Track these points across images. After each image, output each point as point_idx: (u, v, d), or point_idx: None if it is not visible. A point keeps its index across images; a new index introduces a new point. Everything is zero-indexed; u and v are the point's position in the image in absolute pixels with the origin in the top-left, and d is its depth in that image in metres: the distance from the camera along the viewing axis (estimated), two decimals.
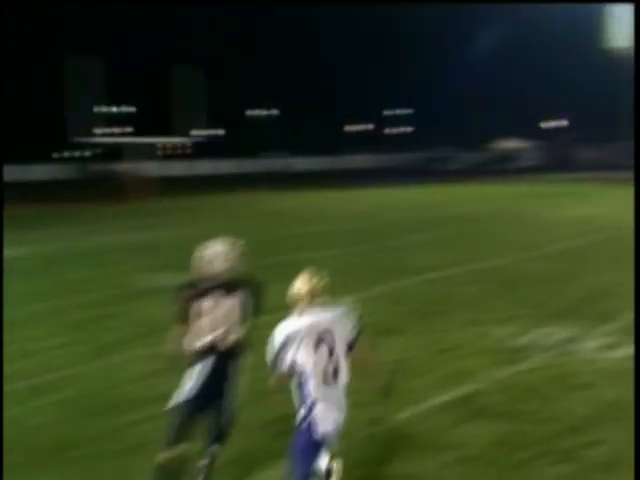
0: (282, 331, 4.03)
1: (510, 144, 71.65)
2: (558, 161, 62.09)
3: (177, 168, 75.31)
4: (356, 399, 6.08)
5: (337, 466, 4.19)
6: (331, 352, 3.98)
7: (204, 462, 4.59)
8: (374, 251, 15.36)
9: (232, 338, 4.71)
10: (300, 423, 4.04)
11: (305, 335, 3.96)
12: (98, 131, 75.22)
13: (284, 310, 4.22)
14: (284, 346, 3.99)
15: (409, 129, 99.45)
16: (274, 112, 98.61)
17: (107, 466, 5.08)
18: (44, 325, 9.33)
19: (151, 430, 5.65)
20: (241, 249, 4.93)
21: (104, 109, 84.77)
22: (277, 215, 25.68)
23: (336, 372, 4.01)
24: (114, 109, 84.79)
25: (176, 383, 4.85)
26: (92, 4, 78.28)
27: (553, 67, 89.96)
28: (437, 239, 17.23)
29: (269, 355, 4.09)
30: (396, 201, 31.68)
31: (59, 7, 75.96)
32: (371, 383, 4.36)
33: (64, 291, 11.67)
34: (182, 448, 4.52)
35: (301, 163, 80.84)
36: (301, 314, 4.06)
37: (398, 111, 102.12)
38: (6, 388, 6.75)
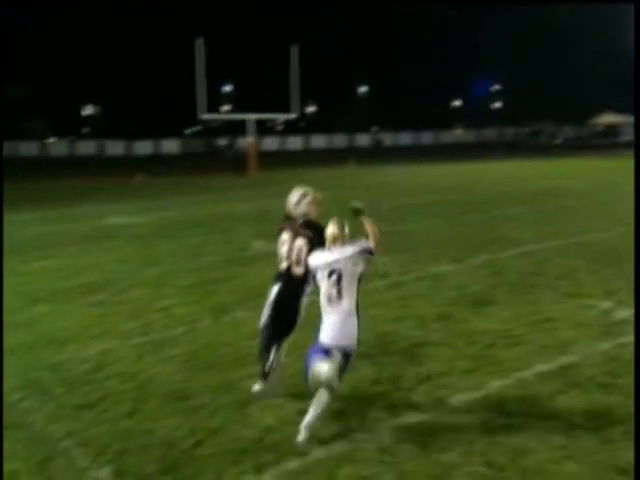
0: (313, 260, 5.03)
1: (612, 118, 67.56)
2: None
3: (293, 142, 76.17)
4: (464, 366, 5.95)
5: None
6: (338, 281, 4.82)
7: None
8: (475, 222, 14.89)
9: (300, 269, 5.32)
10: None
11: (324, 266, 4.90)
12: (223, 108, 76.94)
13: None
14: (314, 270, 5.01)
15: (510, 103, 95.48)
16: (378, 88, 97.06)
17: (221, 416, 5.15)
18: (158, 287, 9.57)
19: None
20: (312, 198, 5.48)
21: (227, 87, 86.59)
22: (383, 187, 25.42)
23: (339, 297, 4.82)
24: (234, 87, 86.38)
25: None
26: None
27: None
28: (537, 212, 16.50)
29: None
30: (497, 174, 30.65)
31: None
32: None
33: (180, 256, 11.97)
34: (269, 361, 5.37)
35: (407, 137, 79.88)
36: (329, 250, 4.93)
37: (497, 86, 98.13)
38: (128, 342, 7.02)
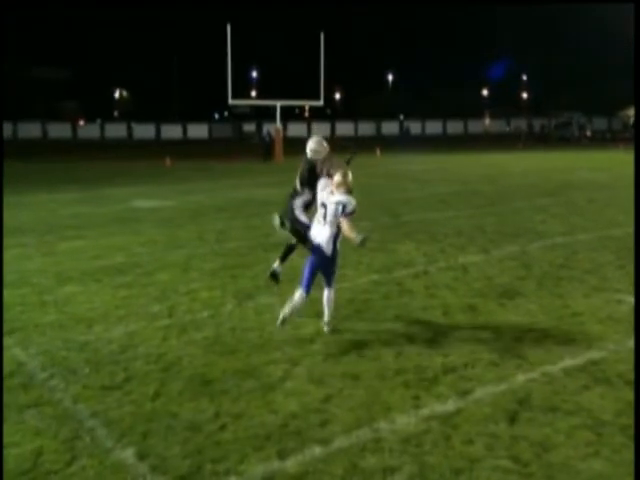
0: (319, 192, 6.77)
1: None
2: None
3: (319, 129, 75.90)
4: (490, 358, 5.85)
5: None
6: (325, 214, 6.55)
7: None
8: (502, 213, 14.69)
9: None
10: None
11: (322, 200, 6.66)
12: (253, 94, 76.89)
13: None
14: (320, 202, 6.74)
15: (537, 94, 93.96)
16: (407, 75, 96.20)
17: (244, 401, 5.12)
18: (184, 270, 9.59)
19: (283, 371, 5.69)
20: (317, 144, 7.49)
21: (255, 74, 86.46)
22: (410, 175, 25.22)
23: (325, 222, 6.54)
24: (261, 74, 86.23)
25: None
26: None
27: None
28: (565, 204, 16.23)
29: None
30: (525, 165, 30.24)
31: None
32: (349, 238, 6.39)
33: (206, 240, 11.98)
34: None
35: (434, 126, 79.19)
36: (333, 193, 6.58)
37: (526, 76, 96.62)
38: (154, 324, 7.03)
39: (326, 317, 6.66)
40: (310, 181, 7.26)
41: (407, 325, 6.90)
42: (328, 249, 6.55)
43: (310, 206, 7.39)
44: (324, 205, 6.59)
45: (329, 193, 6.61)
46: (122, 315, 7.37)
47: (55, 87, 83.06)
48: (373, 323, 6.98)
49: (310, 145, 7.44)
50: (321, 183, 6.83)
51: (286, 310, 6.43)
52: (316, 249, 6.58)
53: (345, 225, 6.40)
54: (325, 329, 6.65)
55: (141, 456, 4.35)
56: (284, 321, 6.44)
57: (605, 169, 27.20)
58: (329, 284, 6.65)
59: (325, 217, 6.55)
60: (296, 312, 6.52)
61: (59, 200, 18.27)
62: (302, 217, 7.41)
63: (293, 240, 7.60)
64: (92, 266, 9.79)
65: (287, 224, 7.39)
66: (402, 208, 15.75)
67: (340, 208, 6.42)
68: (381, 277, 8.92)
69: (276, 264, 7.94)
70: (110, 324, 7.06)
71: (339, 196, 6.51)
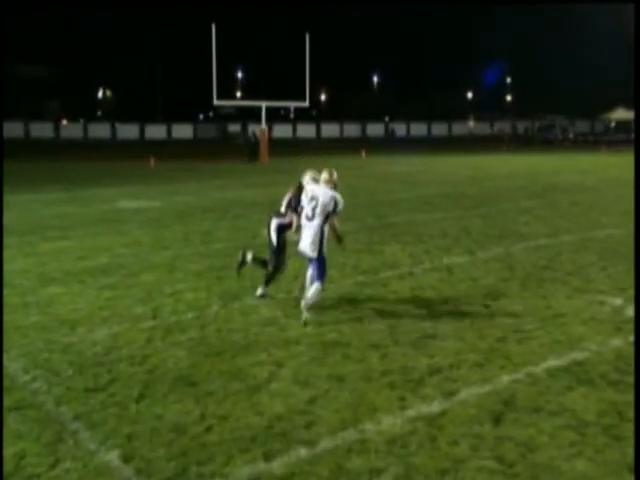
0: (307, 192, 7.26)
1: (625, 114, 66.67)
2: None
3: (305, 130, 75.91)
4: (475, 359, 5.88)
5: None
6: (315, 207, 7.04)
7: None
8: (487, 215, 14.77)
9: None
10: None
11: (311, 195, 7.14)
12: (238, 94, 76.71)
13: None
14: (306, 197, 7.24)
15: (523, 96, 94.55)
16: (392, 78, 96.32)
17: (230, 402, 5.11)
18: (169, 272, 9.54)
19: (269, 372, 5.68)
20: (315, 174, 7.57)
21: (240, 74, 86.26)
22: (395, 177, 25.29)
23: (313, 217, 7.04)
24: (247, 75, 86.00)
25: None
26: None
27: None
28: (549, 206, 16.35)
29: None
30: (509, 167, 30.43)
31: None
32: (334, 237, 7.30)
33: (191, 241, 11.94)
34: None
35: (419, 128, 79.46)
36: (320, 187, 7.19)
37: (510, 79, 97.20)
38: (138, 326, 6.99)
39: (306, 297, 7.09)
40: (295, 206, 7.61)
41: (392, 326, 6.91)
42: (314, 250, 7.04)
43: (284, 230, 7.70)
44: (314, 198, 7.06)
45: (317, 187, 7.22)
46: (106, 316, 7.32)
47: (38, 86, 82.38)
48: (358, 324, 6.98)
49: (309, 174, 7.62)
50: (306, 178, 7.53)
51: (309, 300, 7.00)
52: (301, 253, 7.24)
53: (336, 222, 7.24)
54: (302, 304, 7.03)
55: (126, 459, 4.32)
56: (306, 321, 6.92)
57: (588, 171, 27.45)
58: (319, 279, 7.13)
59: (315, 210, 7.01)
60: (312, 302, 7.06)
61: (42, 200, 18.12)
62: (274, 237, 7.75)
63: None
64: (76, 267, 9.72)
65: (248, 259, 8.09)
66: (388, 209, 15.79)
67: (333, 204, 7.01)
68: (367, 278, 8.93)
69: (249, 257, 8.12)
70: (94, 325, 7.01)
71: (334, 192, 7.10)
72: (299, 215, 7.40)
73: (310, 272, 7.25)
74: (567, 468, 4.19)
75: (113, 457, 4.34)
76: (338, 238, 7.35)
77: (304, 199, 7.27)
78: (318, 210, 7.00)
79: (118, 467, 4.23)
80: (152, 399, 5.21)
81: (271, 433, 4.61)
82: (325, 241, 7.13)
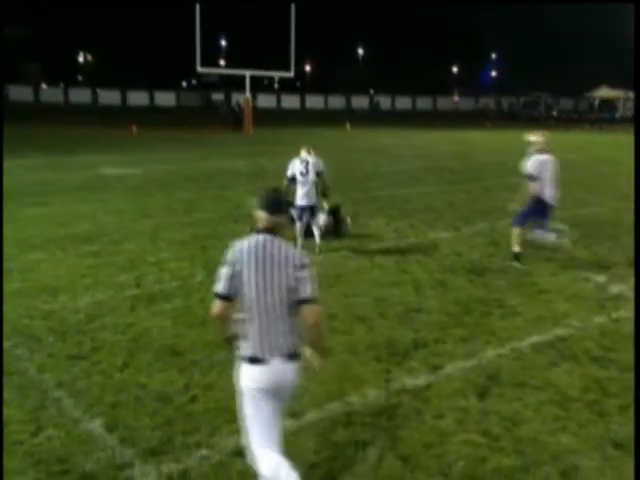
0: (293, 163, 8.86)
1: (608, 92, 66.78)
2: None
3: (289, 101, 75.17)
4: (460, 333, 5.88)
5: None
6: (307, 166, 8.73)
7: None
8: (472, 191, 14.77)
9: None
10: None
11: (300, 161, 8.82)
12: (222, 63, 75.63)
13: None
14: (291, 167, 8.89)
15: (508, 73, 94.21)
16: (377, 51, 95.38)
17: (215, 372, 5.07)
18: (152, 240, 9.44)
19: None
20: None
21: (224, 42, 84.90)
22: (380, 150, 25.17)
23: (307, 173, 8.72)
24: (231, 42, 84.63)
25: None
26: None
27: None
28: None
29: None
30: (495, 143, 30.42)
31: None
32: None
33: (174, 210, 11.81)
34: None
35: (404, 102, 79.12)
36: (303, 156, 8.89)
37: (495, 55, 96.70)
38: (122, 294, 6.91)
39: (317, 239, 8.93)
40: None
41: (378, 300, 6.90)
42: (312, 199, 8.84)
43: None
44: (305, 160, 8.81)
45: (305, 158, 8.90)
46: (88, 284, 7.23)
47: (16, 47, 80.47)
48: (344, 297, 6.96)
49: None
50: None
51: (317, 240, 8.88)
52: (306, 209, 8.83)
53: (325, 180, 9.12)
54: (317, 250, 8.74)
55: (109, 427, 4.28)
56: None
57: (572, 149, 27.47)
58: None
59: (307, 167, 8.72)
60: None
61: (23, 165, 17.79)
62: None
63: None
64: (57, 234, 9.57)
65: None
66: (373, 183, 15.72)
67: (321, 163, 8.90)
68: (352, 252, 8.90)
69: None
70: (76, 293, 6.92)
71: (313, 159, 8.92)
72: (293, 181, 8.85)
73: (307, 223, 8.90)
74: (551, 442, 4.22)
75: (96, 425, 4.30)
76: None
77: (292, 169, 8.85)
78: (311, 167, 8.71)
79: (101, 435, 4.19)
80: (136, 368, 5.16)
81: None
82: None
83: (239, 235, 9.57)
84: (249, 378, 3.25)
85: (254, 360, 3.22)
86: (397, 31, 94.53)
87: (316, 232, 8.89)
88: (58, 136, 29.05)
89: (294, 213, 9.02)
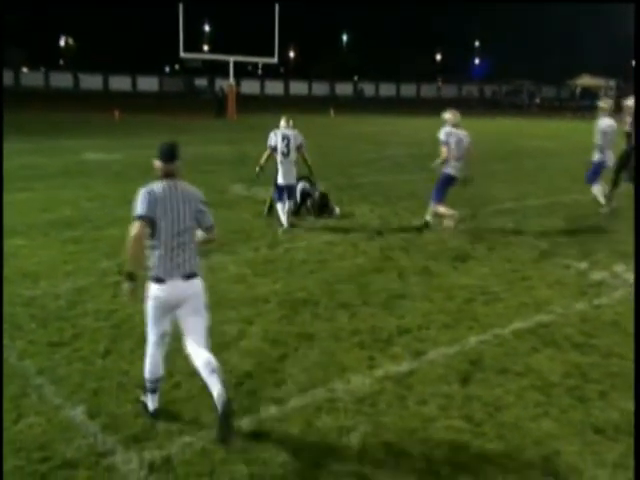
0: (276, 133, 9.20)
1: (590, 81, 67.09)
2: None
3: (273, 87, 74.74)
4: (443, 320, 5.88)
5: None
6: (287, 144, 9.11)
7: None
8: None
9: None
10: None
11: (281, 135, 9.18)
12: (205, 48, 74.85)
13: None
14: (273, 137, 9.28)
15: (491, 61, 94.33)
16: (361, 37, 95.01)
17: None
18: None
19: (238, 330, 5.61)
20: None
21: (207, 27, 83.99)
22: (364, 137, 25.12)
23: (288, 153, 9.12)
24: (214, 28, 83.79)
25: None
26: None
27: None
28: (515, 170, 16.46)
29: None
30: (478, 131, 30.44)
31: None
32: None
33: None
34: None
35: (388, 89, 78.98)
36: (283, 129, 9.27)
37: (478, 42, 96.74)
38: (104, 281, 6.84)
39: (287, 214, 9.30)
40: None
41: (362, 286, 6.88)
42: (293, 178, 9.31)
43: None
44: (286, 137, 9.12)
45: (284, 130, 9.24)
46: (70, 270, 7.15)
47: None
48: (327, 284, 6.94)
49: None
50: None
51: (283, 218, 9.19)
52: (287, 188, 9.22)
53: (306, 154, 9.47)
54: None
55: (91, 414, 4.23)
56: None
57: (554, 137, 27.66)
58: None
59: (289, 146, 9.08)
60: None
61: (4, 150, 17.49)
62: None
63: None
64: (39, 219, 9.45)
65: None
66: (357, 169, 15.69)
67: (300, 137, 9.26)
68: (336, 238, 8.88)
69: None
70: (58, 279, 6.84)
71: (293, 131, 9.32)
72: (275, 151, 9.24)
73: (288, 201, 9.23)
74: (533, 427, 4.24)
75: (78, 412, 4.25)
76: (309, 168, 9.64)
77: (274, 138, 9.23)
78: (291, 145, 9.08)
79: (83, 422, 4.15)
80: (118, 354, 5.11)
81: (240, 390, 4.57)
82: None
83: (224, 222, 9.57)
84: (153, 294, 4.05)
85: (159, 280, 3.99)
86: (381, 18, 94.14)
87: (289, 206, 9.28)
88: (39, 121, 28.66)
89: (275, 194, 9.42)
